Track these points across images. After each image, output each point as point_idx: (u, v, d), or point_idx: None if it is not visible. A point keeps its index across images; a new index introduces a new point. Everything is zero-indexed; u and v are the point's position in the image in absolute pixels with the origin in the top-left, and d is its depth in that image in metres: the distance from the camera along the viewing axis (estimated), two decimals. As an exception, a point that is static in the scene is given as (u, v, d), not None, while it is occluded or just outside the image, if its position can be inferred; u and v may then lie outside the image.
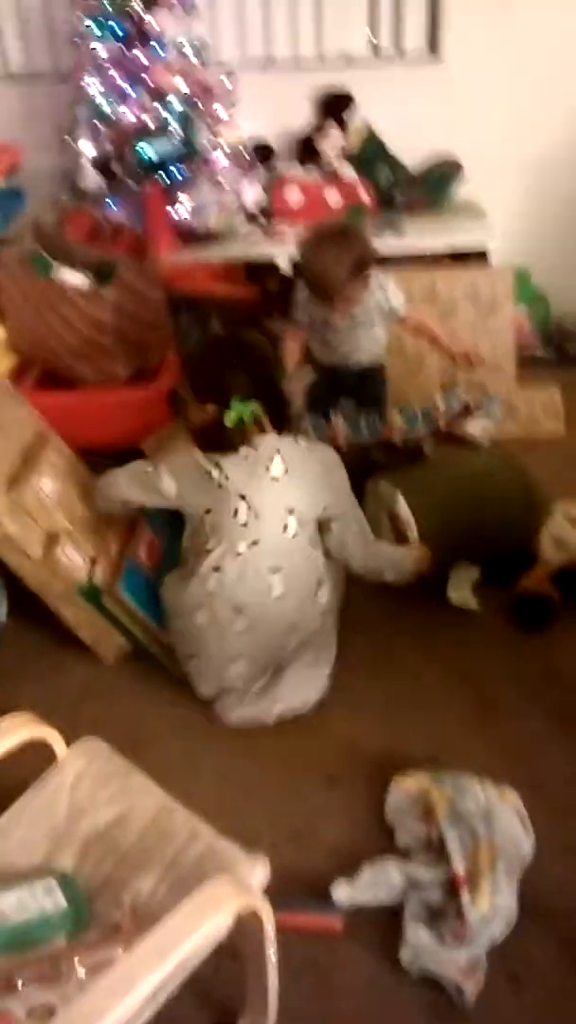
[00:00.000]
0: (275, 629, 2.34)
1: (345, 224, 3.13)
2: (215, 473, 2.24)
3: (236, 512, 2.25)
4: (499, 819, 1.93)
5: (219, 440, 2.29)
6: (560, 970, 1.77)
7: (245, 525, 2.25)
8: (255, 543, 2.27)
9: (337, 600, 2.51)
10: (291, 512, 2.30)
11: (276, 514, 2.28)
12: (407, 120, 4.00)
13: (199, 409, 2.32)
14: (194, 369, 2.51)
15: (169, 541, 2.65)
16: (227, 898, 1.37)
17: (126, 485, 2.40)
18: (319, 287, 2.79)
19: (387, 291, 2.91)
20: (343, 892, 1.86)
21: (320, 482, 2.35)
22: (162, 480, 2.30)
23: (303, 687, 2.41)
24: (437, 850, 1.91)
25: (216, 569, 2.28)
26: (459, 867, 1.83)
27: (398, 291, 2.94)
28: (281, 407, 2.42)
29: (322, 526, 2.40)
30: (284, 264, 3.76)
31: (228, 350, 2.44)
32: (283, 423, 2.42)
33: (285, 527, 2.29)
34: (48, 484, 2.55)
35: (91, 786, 1.72)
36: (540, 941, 1.81)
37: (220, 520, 2.26)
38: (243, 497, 2.24)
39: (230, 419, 2.25)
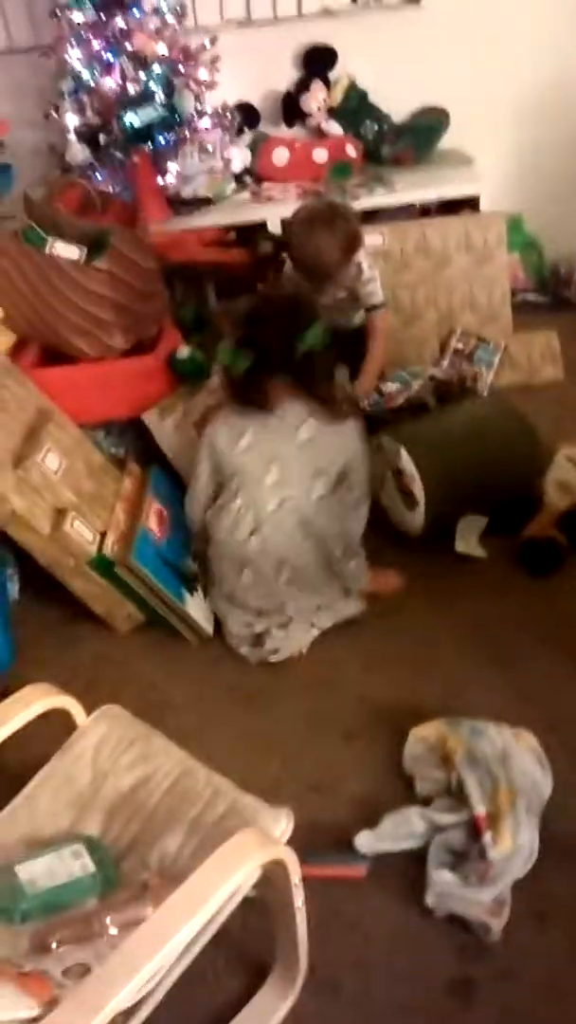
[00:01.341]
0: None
1: (333, 204, 3.12)
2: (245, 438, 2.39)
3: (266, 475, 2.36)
4: (516, 760, 1.95)
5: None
6: (584, 905, 1.80)
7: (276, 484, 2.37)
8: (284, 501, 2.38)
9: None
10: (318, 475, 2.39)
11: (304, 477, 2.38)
12: (390, 70, 3.96)
13: None
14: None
15: (175, 509, 2.67)
16: (252, 850, 1.39)
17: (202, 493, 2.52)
18: (311, 270, 2.85)
19: (368, 281, 2.97)
20: (366, 841, 1.89)
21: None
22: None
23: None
24: (457, 795, 1.93)
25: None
26: (479, 808, 1.86)
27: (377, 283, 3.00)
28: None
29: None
30: (275, 227, 3.73)
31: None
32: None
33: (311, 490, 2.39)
34: (53, 460, 2.56)
35: (113, 751, 1.75)
36: (563, 878, 1.84)
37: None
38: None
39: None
